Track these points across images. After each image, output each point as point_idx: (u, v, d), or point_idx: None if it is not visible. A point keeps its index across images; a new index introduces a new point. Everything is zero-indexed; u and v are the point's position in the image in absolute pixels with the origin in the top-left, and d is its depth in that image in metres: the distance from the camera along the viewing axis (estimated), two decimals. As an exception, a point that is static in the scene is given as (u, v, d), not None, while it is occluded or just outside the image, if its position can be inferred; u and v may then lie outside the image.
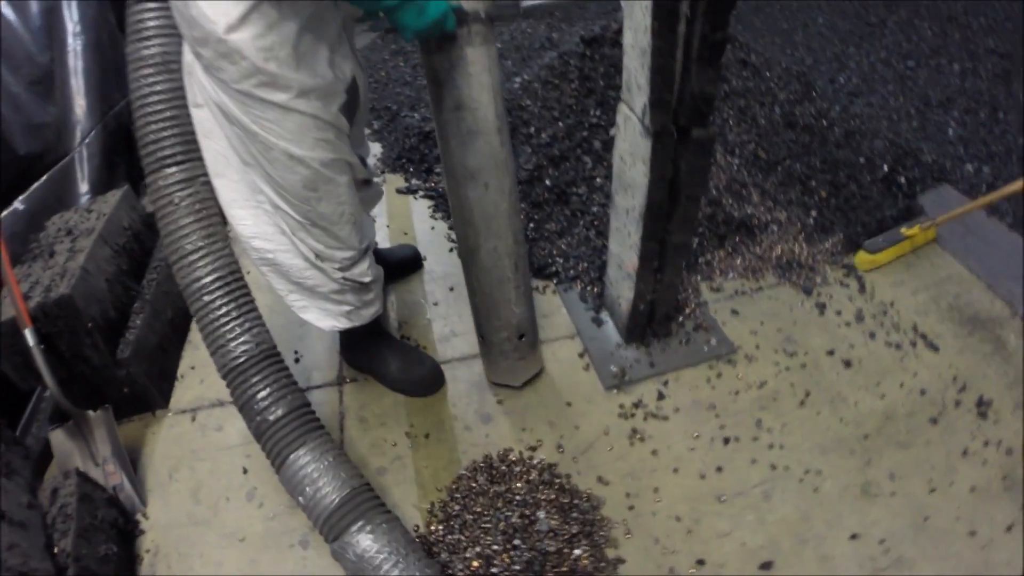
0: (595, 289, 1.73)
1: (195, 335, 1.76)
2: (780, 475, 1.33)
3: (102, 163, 1.89)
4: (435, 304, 1.79)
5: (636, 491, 1.31)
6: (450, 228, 2.02)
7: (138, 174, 1.89)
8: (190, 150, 1.06)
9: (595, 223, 1.86)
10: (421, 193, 2.19)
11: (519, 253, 1.29)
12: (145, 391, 1.51)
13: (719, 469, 1.35)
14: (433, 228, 2.06)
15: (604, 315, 1.67)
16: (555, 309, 1.73)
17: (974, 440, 1.35)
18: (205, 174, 1.07)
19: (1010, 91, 2.44)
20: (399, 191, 2.21)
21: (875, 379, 1.50)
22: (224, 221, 1.12)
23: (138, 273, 1.67)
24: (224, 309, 1.03)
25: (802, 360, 1.55)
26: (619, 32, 2.07)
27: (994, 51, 2.64)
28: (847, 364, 1.53)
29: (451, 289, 1.82)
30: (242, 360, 1.03)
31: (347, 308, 1.32)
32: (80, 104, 1.88)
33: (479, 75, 1.03)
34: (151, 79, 1.01)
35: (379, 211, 2.10)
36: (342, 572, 1.13)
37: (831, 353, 1.55)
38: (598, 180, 1.94)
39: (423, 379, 1.53)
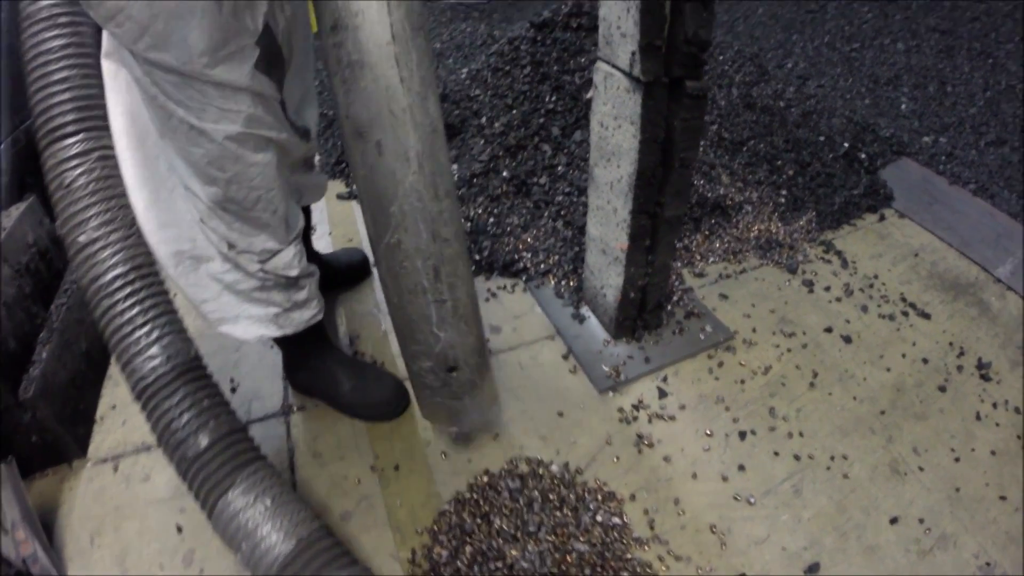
0: (571, 283, 1.55)
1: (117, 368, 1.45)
2: (806, 465, 1.20)
3: (11, 182, 1.57)
4: (375, 264, 1.56)
5: (655, 506, 1.12)
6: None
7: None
8: (86, 118, 0.83)
9: (562, 213, 1.69)
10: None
11: (443, 255, 0.87)
12: (57, 438, 1.22)
13: (741, 468, 1.18)
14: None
15: (585, 310, 1.49)
16: (528, 308, 1.53)
17: (983, 403, 1.32)
18: (104, 147, 0.83)
19: (954, 65, 2.55)
20: (340, 197, 1.98)
21: (877, 352, 1.43)
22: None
23: (45, 297, 1.37)
24: (128, 315, 0.78)
25: (802, 340, 1.46)
26: (571, 15, 1.94)
27: (935, 29, 2.76)
28: (847, 340, 1.45)
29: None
30: (150, 380, 0.78)
31: (274, 310, 1.07)
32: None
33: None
34: (41, 35, 0.80)
35: (320, 218, 1.87)
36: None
37: (829, 330, 1.48)
38: (559, 168, 1.78)
39: (383, 400, 1.29)
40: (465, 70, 1.98)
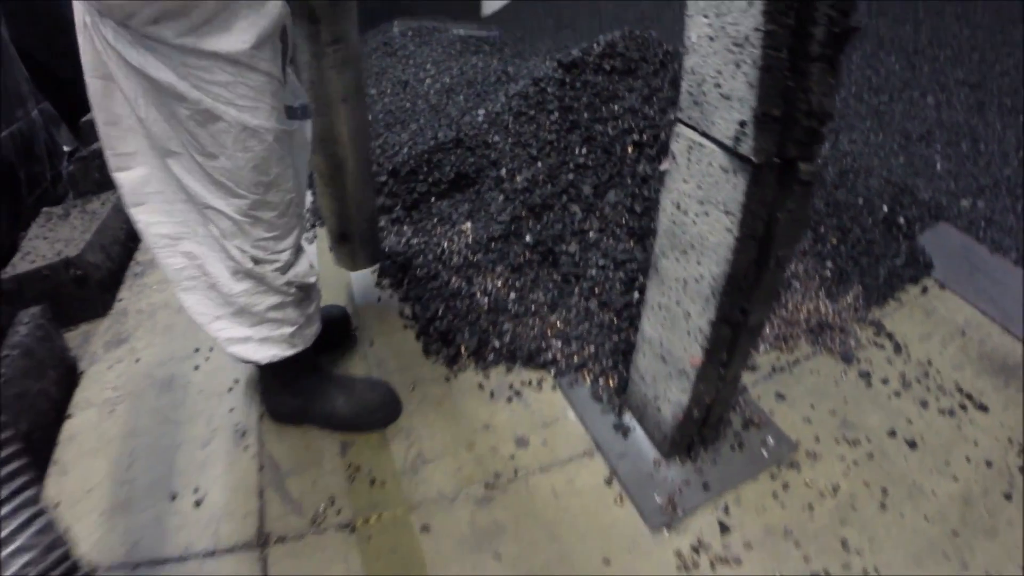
0: (611, 382, 1.29)
1: None
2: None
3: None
4: (371, 344, 1.40)
5: None
6: (402, 300, 1.53)
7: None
8: None
9: (596, 291, 1.44)
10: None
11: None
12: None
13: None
14: (380, 300, 1.56)
15: (629, 418, 1.23)
16: (560, 412, 1.26)
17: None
18: None
19: (986, 121, 2.41)
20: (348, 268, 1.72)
21: (942, 457, 1.24)
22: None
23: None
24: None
25: (867, 449, 1.24)
26: (603, 56, 1.71)
27: (964, 82, 2.63)
28: (911, 445, 1.25)
29: (413, 389, 1.32)
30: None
31: (289, 329, 1.06)
32: None
33: (353, 10, 1.13)
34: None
35: None
36: None
37: (892, 434, 1.27)
38: (591, 234, 1.53)
39: (381, 403, 1.25)
40: (482, 111, 1.73)
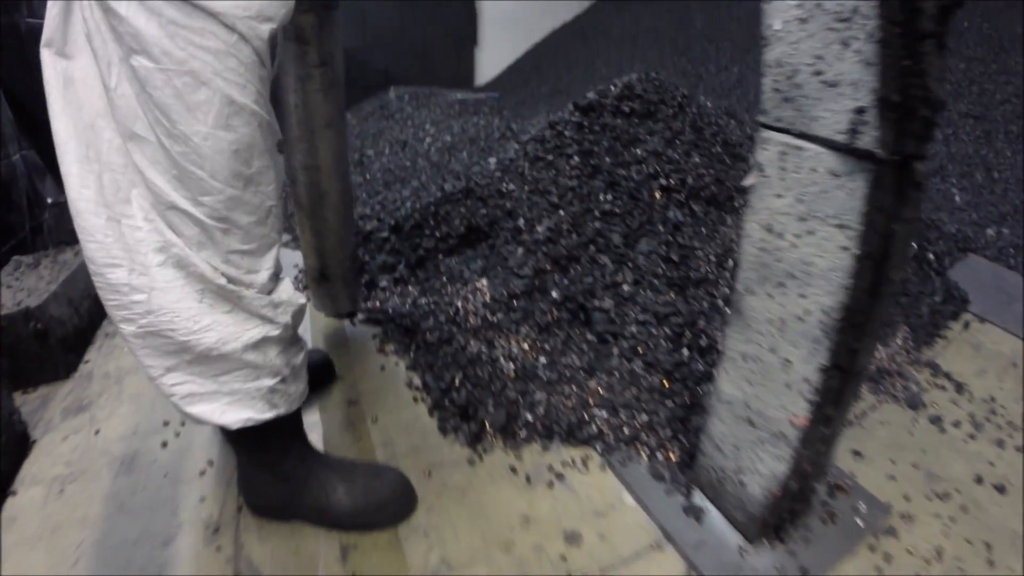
0: (672, 454, 1.07)
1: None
2: None
3: None
4: (374, 421, 1.17)
5: None
6: (410, 368, 1.32)
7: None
8: None
9: (639, 350, 1.24)
10: (362, 316, 1.49)
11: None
12: None
13: None
14: (383, 368, 1.34)
15: (700, 498, 1.00)
16: (614, 497, 1.03)
17: None
18: None
19: (996, 150, 2.44)
20: (328, 312, 1.51)
21: None
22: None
23: None
24: None
25: (959, 501, 1.09)
26: (621, 98, 1.60)
27: (968, 114, 2.70)
28: (1000, 489, 1.13)
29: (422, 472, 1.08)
30: None
31: (269, 381, 0.83)
32: None
33: (339, 34, 1.10)
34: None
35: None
36: None
37: (979, 481, 1.14)
38: (625, 287, 1.35)
39: (390, 498, 0.99)
40: (493, 159, 1.59)
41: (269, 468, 0.96)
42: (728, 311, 0.86)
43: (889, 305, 0.75)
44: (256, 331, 0.79)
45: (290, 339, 0.87)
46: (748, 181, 0.76)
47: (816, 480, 0.93)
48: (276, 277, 0.84)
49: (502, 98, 3.00)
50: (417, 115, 2.44)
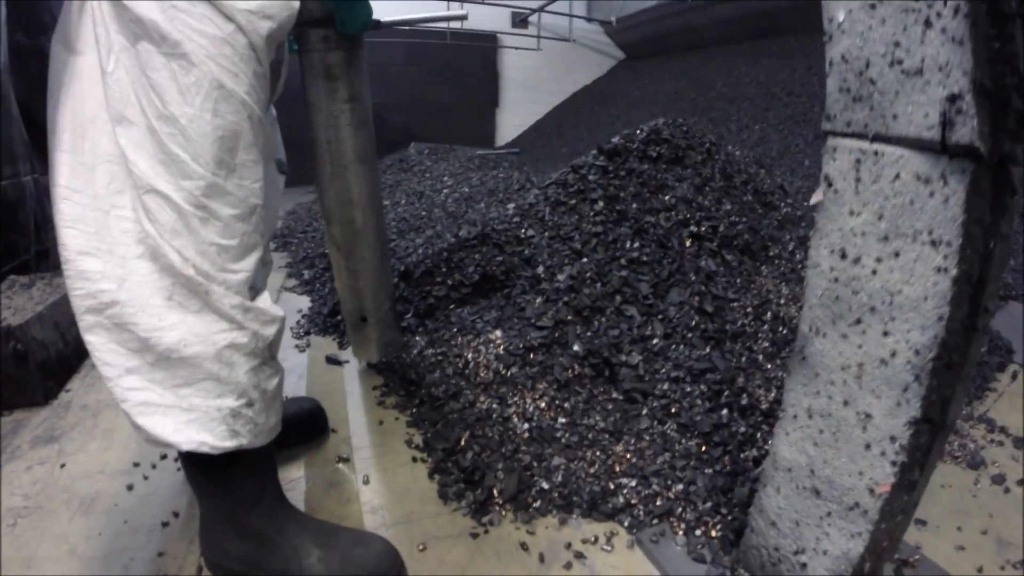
0: (714, 532, 0.90)
1: None
2: None
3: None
4: (366, 482, 1.00)
5: None
6: (411, 425, 1.18)
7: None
8: None
9: (672, 411, 1.09)
10: (363, 365, 1.36)
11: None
12: None
13: None
14: (382, 423, 1.21)
15: (749, 588, 0.83)
16: (644, 585, 0.86)
17: None
18: None
19: None
20: (330, 360, 1.40)
21: None
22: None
23: None
24: None
25: None
26: (648, 143, 1.52)
27: None
28: None
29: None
30: None
31: (233, 402, 0.74)
32: None
33: (365, 72, 1.13)
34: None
35: (295, 387, 1.28)
36: None
37: None
38: (655, 342, 1.21)
39: (375, 566, 0.83)
40: (512, 205, 1.50)
41: (233, 520, 0.82)
42: (780, 362, 0.72)
43: (983, 333, 0.61)
44: (222, 336, 0.72)
45: (262, 357, 0.78)
46: (815, 199, 0.64)
47: (889, 559, 0.76)
48: (254, 288, 0.78)
49: (522, 155, 2.97)
50: (436, 168, 2.40)
